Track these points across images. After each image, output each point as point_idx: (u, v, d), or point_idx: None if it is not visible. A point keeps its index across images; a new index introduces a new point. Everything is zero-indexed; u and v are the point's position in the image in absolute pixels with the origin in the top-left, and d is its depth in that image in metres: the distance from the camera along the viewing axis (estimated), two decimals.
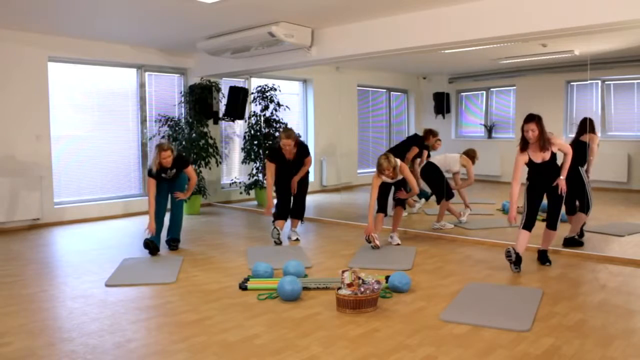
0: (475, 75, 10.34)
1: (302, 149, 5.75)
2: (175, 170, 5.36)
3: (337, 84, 9.82)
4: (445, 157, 6.69)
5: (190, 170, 5.47)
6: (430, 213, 7.30)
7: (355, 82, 10.42)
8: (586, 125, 5.51)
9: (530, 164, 4.52)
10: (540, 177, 4.55)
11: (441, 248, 5.43)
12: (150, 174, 5.29)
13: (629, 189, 8.11)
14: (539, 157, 4.46)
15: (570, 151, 4.53)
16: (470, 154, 6.78)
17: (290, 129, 5.74)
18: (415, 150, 6.26)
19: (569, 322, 3.28)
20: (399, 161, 5.31)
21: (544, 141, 4.38)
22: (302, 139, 9.03)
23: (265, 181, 8.37)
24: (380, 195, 5.48)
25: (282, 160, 5.68)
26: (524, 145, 4.47)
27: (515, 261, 4.43)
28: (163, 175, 5.33)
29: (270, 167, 5.69)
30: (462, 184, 6.81)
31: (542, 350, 2.87)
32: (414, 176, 6.39)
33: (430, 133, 7.12)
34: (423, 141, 6.88)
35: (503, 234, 5.92)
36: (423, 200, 7.70)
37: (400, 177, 5.37)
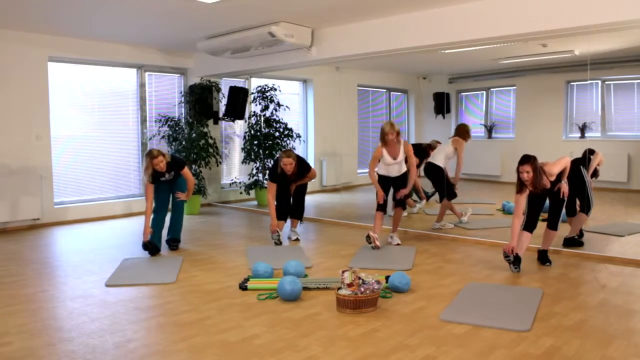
0: (475, 75, 10.34)
1: (302, 167, 5.69)
2: (173, 173, 5.35)
3: (337, 84, 9.83)
4: (441, 149, 6.60)
5: (187, 172, 5.44)
6: (430, 213, 7.30)
7: (355, 82, 10.43)
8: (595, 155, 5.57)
9: (530, 194, 4.53)
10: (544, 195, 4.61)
11: (441, 248, 5.43)
12: (149, 181, 5.24)
13: (629, 189, 8.11)
14: (539, 190, 4.48)
15: (569, 165, 4.56)
16: (461, 130, 6.64)
17: (290, 150, 5.71)
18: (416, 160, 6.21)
19: (569, 322, 3.29)
20: (402, 140, 5.41)
21: (537, 183, 4.37)
22: (302, 138, 9.10)
23: (265, 182, 8.40)
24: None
25: (283, 180, 5.66)
26: (521, 186, 4.44)
27: (514, 261, 4.43)
28: (162, 179, 5.34)
29: (272, 187, 5.67)
30: (456, 176, 6.60)
31: (542, 351, 2.87)
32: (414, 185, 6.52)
33: (429, 148, 7.10)
34: (424, 154, 6.87)
35: (503, 234, 5.91)
36: (424, 201, 7.70)
37: (402, 169, 5.41)
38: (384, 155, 5.41)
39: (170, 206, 5.57)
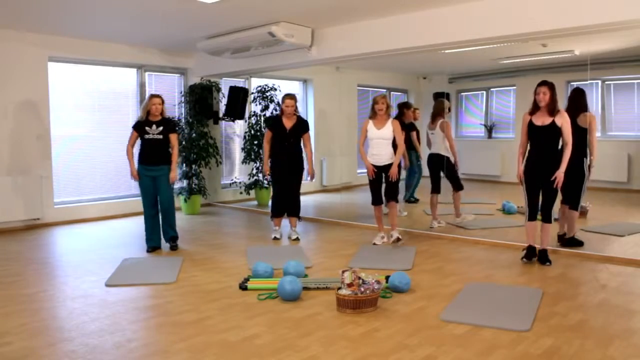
0: (475, 75, 10.33)
1: (301, 121, 5.83)
2: (161, 129, 5.31)
3: (337, 84, 9.82)
4: (437, 137, 6.45)
5: (175, 137, 5.44)
6: (430, 213, 7.27)
7: (355, 82, 10.41)
8: (580, 101, 5.20)
9: (530, 128, 4.64)
10: (538, 147, 4.63)
11: (441, 248, 5.43)
12: (133, 127, 5.38)
13: (629, 189, 8.10)
14: (540, 120, 4.60)
15: (570, 142, 4.55)
16: (443, 108, 6.55)
17: (293, 94, 5.86)
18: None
19: (569, 322, 3.29)
20: (392, 118, 5.60)
21: (553, 106, 4.54)
22: None
23: (264, 181, 8.40)
24: (373, 187, 5.50)
25: (279, 129, 5.72)
26: (534, 109, 4.65)
27: (528, 254, 4.65)
28: (147, 128, 5.29)
29: (267, 135, 5.84)
30: (456, 160, 6.47)
31: (542, 350, 2.87)
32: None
33: (404, 106, 7.08)
34: (403, 122, 6.69)
35: (503, 234, 5.92)
36: (405, 212, 7.55)
37: (390, 152, 5.41)
38: (370, 128, 5.49)
39: (159, 207, 5.51)
